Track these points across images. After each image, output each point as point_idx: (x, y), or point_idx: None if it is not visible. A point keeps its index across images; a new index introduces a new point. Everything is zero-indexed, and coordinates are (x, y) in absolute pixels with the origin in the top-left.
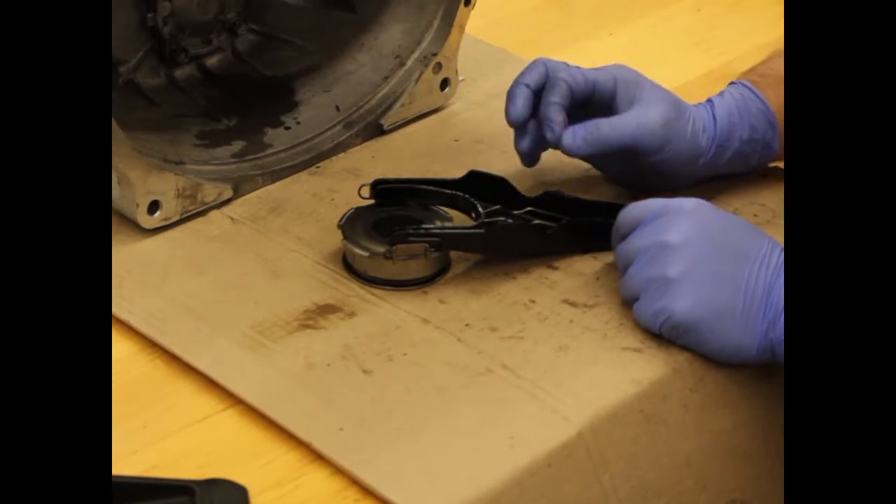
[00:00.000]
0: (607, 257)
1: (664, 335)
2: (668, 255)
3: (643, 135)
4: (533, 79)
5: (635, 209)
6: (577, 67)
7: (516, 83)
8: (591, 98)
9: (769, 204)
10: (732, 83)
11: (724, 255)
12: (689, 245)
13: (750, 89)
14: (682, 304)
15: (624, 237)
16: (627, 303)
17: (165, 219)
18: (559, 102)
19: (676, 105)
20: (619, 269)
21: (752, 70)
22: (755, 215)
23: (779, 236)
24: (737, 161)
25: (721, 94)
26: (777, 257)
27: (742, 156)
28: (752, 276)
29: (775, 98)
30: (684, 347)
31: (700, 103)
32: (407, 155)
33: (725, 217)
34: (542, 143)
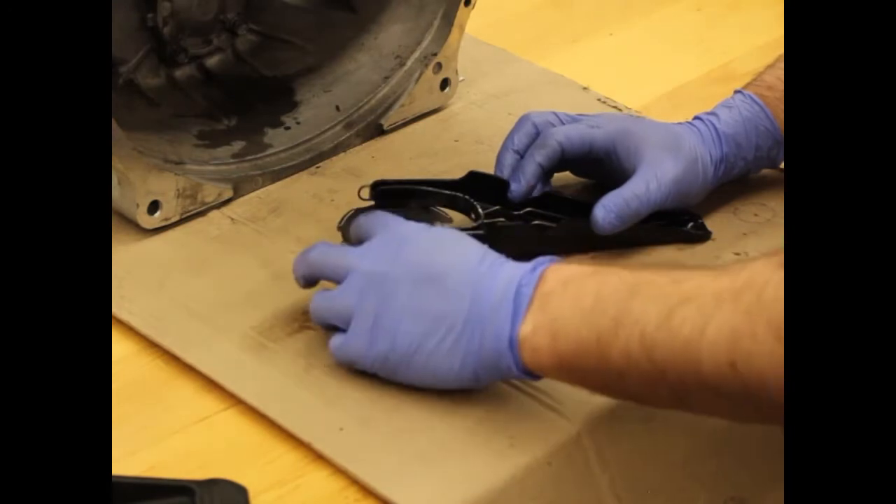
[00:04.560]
0: (601, 256)
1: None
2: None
3: (667, 198)
4: (521, 142)
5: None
6: (573, 122)
7: (504, 147)
8: (587, 156)
9: (769, 203)
10: (740, 92)
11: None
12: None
13: (759, 105)
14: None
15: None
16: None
17: (165, 219)
18: (541, 163)
19: (682, 151)
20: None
21: (759, 79)
22: (755, 215)
23: (779, 236)
24: (736, 176)
25: (729, 107)
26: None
27: (744, 172)
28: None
29: (782, 115)
30: None
31: (706, 118)
32: (407, 155)
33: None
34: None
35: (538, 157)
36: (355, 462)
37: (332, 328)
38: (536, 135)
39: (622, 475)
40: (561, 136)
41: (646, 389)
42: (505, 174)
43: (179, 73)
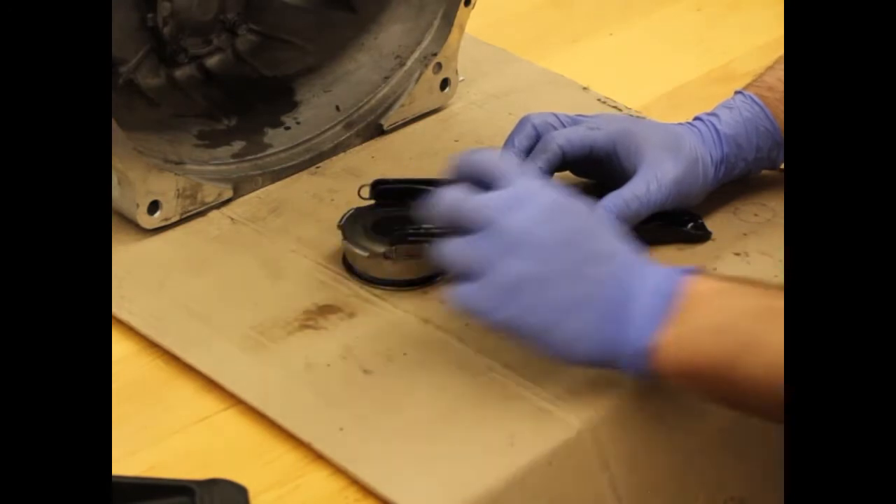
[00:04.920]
0: None
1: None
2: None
3: (668, 200)
4: (522, 144)
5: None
6: (573, 123)
7: (505, 149)
8: (588, 157)
9: (769, 203)
10: (741, 93)
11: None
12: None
13: (759, 106)
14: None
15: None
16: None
17: (165, 219)
18: (542, 168)
19: (682, 152)
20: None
21: (760, 80)
22: (756, 215)
23: (779, 236)
24: (737, 176)
25: (729, 107)
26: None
27: (744, 172)
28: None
29: (783, 116)
30: None
31: (706, 118)
32: (407, 155)
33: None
34: None
35: (540, 162)
36: (355, 462)
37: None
38: (537, 136)
39: (623, 475)
40: (562, 139)
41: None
42: None
43: (179, 73)
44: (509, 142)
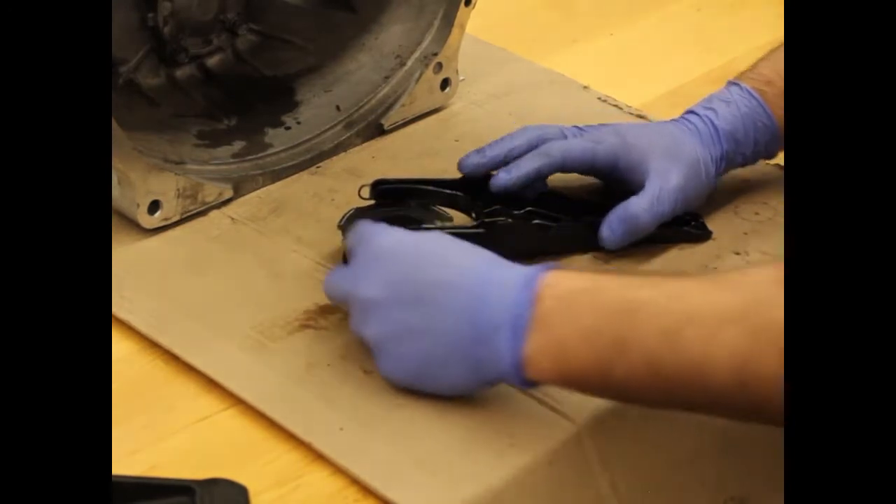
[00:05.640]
0: (602, 256)
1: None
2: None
3: (674, 208)
4: (520, 149)
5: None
6: (575, 135)
7: (500, 146)
8: (589, 170)
9: (770, 202)
10: (736, 84)
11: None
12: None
13: (757, 101)
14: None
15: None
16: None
17: (166, 219)
18: (539, 168)
19: (683, 156)
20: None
21: (756, 72)
22: (757, 213)
23: (780, 235)
24: (734, 168)
25: (727, 101)
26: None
27: (742, 165)
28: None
29: (781, 110)
30: None
31: (703, 114)
32: (407, 155)
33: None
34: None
35: (538, 161)
36: (356, 462)
37: None
38: (537, 142)
39: (623, 475)
40: (564, 148)
41: (654, 403)
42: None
43: (180, 73)
44: (507, 141)
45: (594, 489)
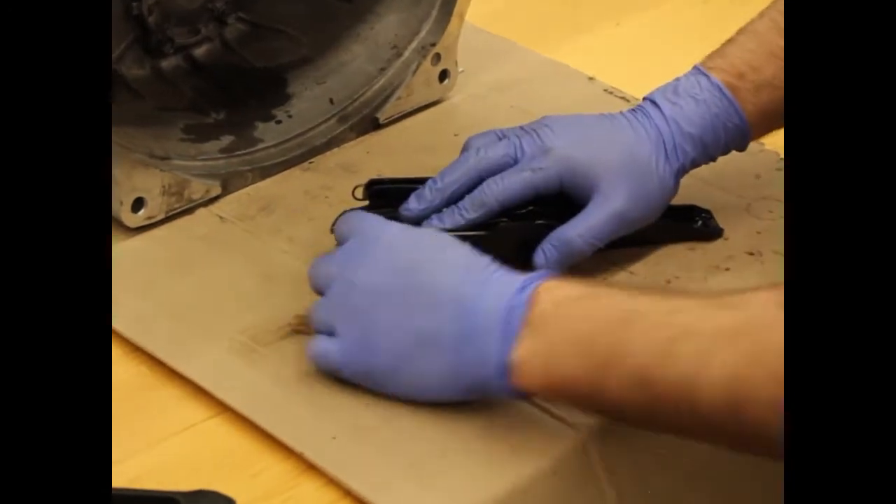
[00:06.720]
0: (609, 256)
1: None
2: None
3: (615, 231)
4: (451, 188)
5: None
6: (516, 168)
7: (433, 181)
8: (535, 200)
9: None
10: (706, 77)
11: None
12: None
13: (729, 100)
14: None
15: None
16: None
17: (150, 217)
18: (470, 219)
19: (635, 173)
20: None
21: (726, 60)
22: (770, 211)
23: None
24: (696, 168)
25: (695, 97)
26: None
27: (706, 163)
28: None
29: (753, 108)
30: None
31: (670, 115)
32: (404, 150)
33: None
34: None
35: (471, 212)
36: (349, 473)
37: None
38: (477, 178)
39: (629, 485)
40: (500, 193)
41: (641, 421)
42: (424, 205)
43: (165, 64)
44: (446, 177)
45: (600, 500)
